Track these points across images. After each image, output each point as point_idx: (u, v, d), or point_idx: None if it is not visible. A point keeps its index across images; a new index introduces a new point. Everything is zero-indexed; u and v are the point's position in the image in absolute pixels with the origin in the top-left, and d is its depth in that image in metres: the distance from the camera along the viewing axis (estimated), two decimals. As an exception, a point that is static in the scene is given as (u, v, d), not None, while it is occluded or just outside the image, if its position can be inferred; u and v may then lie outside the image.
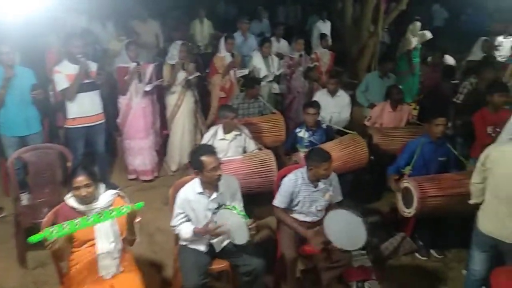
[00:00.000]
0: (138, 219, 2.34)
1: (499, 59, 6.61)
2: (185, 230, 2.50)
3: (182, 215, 2.56)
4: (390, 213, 3.77)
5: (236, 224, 2.38)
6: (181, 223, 2.54)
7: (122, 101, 4.19)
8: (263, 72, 4.86)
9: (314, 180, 2.80)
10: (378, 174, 3.89)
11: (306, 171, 2.80)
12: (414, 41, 6.40)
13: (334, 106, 4.64)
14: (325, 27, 7.59)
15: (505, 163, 2.23)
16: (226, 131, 3.59)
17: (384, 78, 4.82)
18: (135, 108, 4.20)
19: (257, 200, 3.49)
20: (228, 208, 2.39)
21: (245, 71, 4.66)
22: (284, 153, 3.91)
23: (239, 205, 2.59)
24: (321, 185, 2.82)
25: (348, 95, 4.70)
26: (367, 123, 4.44)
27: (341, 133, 4.03)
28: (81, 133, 3.85)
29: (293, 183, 2.80)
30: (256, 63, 4.87)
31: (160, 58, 5.87)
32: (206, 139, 3.64)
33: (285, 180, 2.85)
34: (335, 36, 8.30)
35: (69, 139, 3.96)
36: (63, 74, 3.64)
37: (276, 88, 4.99)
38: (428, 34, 6.79)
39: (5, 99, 3.45)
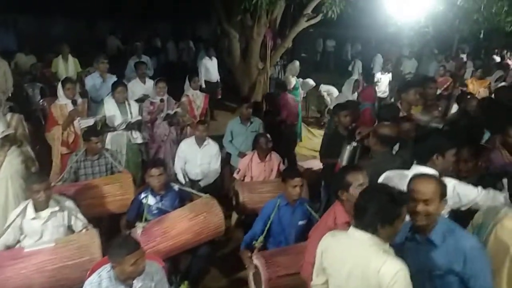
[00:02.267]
0: None
1: (379, 95, 6.74)
2: None
3: None
4: None
5: None
6: None
7: None
8: (118, 120, 4.12)
9: (125, 279, 2.10)
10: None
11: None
12: (293, 80, 6.23)
13: (202, 157, 4.10)
14: (211, 64, 7.18)
15: (341, 259, 1.72)
16: (38, 207, 2.75)
17: (246, 124, 4.35)
18: None
19: None
20: None
21: (90, 121, 3.87)
22: (125, 226, 3.13)
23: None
24: (137, 283, 2.13)
25: (216, 143, 4.18)
26: (236, 175, 3.94)
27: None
28: None
29: (95, 287, 2.07)
30: (109, 111, 4.11)
31: (9, 103, 5.02)
32: (12, 218, 2.75)
33: (86, 283, 2.11)
34: (225, 73, 8.01)
35: None
36: None
37: (137, 137, 4.27)
38: (311, 82, 6.70)
39: None
